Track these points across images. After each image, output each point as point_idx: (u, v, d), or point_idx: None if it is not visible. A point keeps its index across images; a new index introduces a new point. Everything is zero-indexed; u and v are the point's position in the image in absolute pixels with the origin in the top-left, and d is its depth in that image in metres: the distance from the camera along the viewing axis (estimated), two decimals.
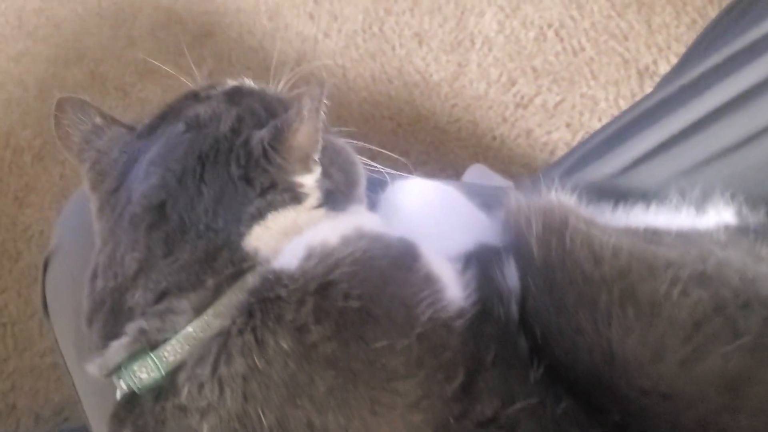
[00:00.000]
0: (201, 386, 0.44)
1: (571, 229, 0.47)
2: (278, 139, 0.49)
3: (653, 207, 0.56)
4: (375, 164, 0.61)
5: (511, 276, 0.50)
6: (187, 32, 1.70)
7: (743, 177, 0.59)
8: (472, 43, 1.55)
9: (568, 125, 1.42)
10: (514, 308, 0.48)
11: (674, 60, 1.43)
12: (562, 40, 1.52)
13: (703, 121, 0.62)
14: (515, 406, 0.42)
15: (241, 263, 0.48)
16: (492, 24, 1.56)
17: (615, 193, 0.61)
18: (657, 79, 1.43)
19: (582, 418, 0.42)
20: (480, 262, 0.51)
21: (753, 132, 0.59)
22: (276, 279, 0.46)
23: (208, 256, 0.48)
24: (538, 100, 1.46)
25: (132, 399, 0.48)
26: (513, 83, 1.49)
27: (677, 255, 0.46)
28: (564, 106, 1.44)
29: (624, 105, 1.42)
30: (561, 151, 1.41)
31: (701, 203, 0.57)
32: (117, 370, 0.48)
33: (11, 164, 1.59)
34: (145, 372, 0.46)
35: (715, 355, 0.40)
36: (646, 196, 0.60)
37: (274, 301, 0.45)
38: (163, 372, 0.46)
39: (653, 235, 0.51)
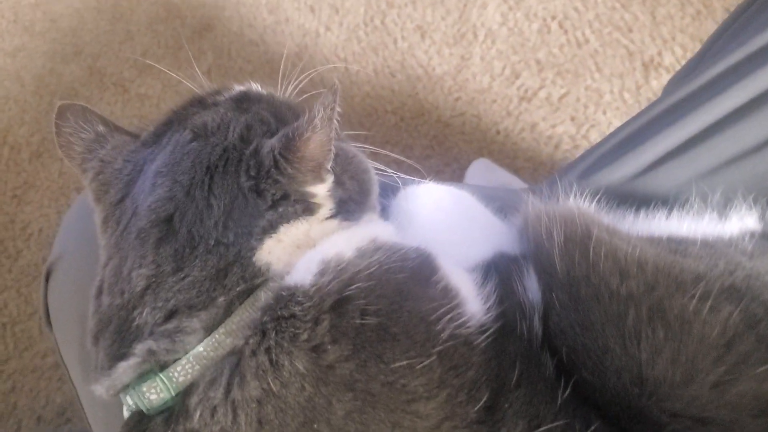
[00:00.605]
0: (214, 410, 0.43)
1: (594, 241, 0.46)
2: (289, 148, 0.48)
3: (675, 212, 0.55)
4: (386, 168, 0.59)
5: (532, 288, 0.48)
6: (186, 26, 1.67)
7: (765, 179, 0.58)
8: (475, 35, 1.53)
9: (572, 118, 1.41)
10: (537, 323, 0.46)
11: (679, 51, 1.42)
12: (566, 32, 1.50)
13: (723, 123, 0.60)
14: (541, 430, 0.41)
15: (253, 279, 0.46)
16: (495, 16, 1.54)
17: (634, 197, 0.60)
18: (662, 71, 1.41)
19: None
20: (499, 273, 0.50)
21: None
22: (290, 296, 0.45)
23: (219, 272, 0.46)
24: (542, 93, 1.45)
25: (141, 420, 0.46)
26: (517, 76, 1.47)
27: (705, 268, 0.45)
28: (568, 99, 1.43)
29: (629, 97, 1.40)
30: (566, 145, 1.39)
31: (723, 208, 0.55)
32: (125, 389, 0.46)
33: (9, 161, 1.57)
34: (155, 393, 0.45)
35: (749, 376, 0.39)
36: (665, 200, 0.59)
37: (288, 320, 0.43)
38: (173, 393, 0.45)
39: (678, 244, 0.49)
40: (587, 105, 1.42)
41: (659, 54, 1.43)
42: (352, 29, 1.60)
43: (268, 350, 0.43)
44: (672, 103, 0.64)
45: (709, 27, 1.43)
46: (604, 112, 1.40)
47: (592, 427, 0.41)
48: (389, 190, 0.60)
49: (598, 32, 1.48)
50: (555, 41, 1.49)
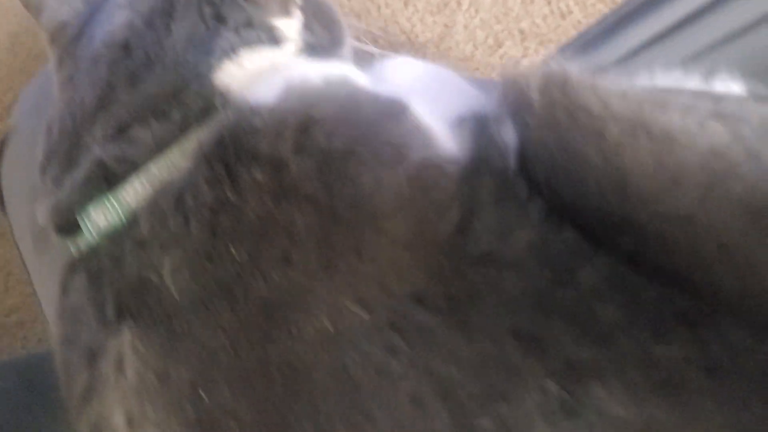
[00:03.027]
0: (164, 219, 0.40)
1: (574, 81, 0.43)
2: None
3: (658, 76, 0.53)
4: (363, 40, 0.57)
5: (508, 132, 0.46)
6: None
7: (752, 59, 0.56)
8: (459, 4, 1.52)
9: None
10: (513, 158, 0.43)
11: None
12: (549, 2, 1.49)
13: (708, 7, 0.59)
14: (512, 241, 0.38)
15: (212, 98, 0.43)
16: None
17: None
18: None
19: (586, 248, 0.38)
20: (476, 122, 0.47)
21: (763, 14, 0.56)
22: (251, 114, 0.42)
23: (176, 89, 0.43)
24: (524, 63, 1.43)
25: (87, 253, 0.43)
26: (500, 45, 1.46)
27: (691, 99, 0.43)
28: None
29: None
30: None
31: (708, 77, 0.53)
32: (70, 216, 0.43)
33: None
34: (103, 216, 0.42)
35: (737, 180, 0.37)
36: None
37: (248, 135, 0.40)
38: (123, 217, 0.41)
39: (663, 90, 0.47)
40: None
41: None
42: None
43: (225, 161, 0.40)
44: None
45: None
46: None
47: (565, 235, 0.38)
48: (364, 63, 0.58)
49: (582, 3, 1.48)
50: (538, 11, 1.49)
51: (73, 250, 0.44)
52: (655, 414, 0.33)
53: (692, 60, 0.58)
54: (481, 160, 0.43)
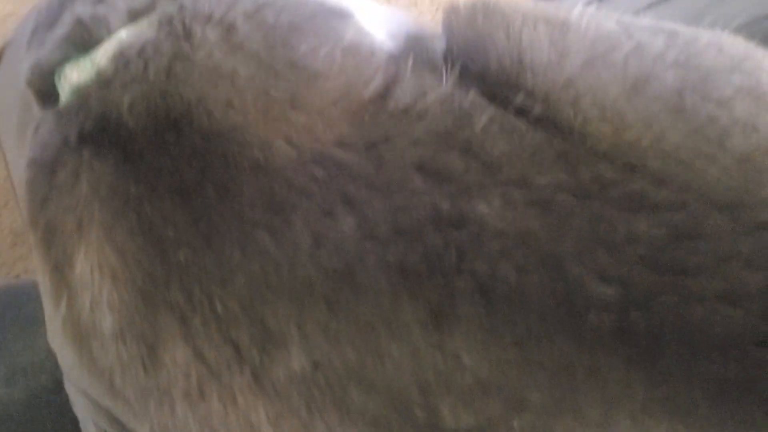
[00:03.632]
0: (126, 63, 0.46)
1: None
2: None
3: None
4: None
5: (440, 44, 0.53)
6: None
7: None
8: None
9: None
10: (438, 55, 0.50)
11: None
12: None
13: None
14: (427, 98, 0.44)
15: None
16: None
17: None
18: None
19: (485, 104, 0.44)
20: (413, 36, 0.54)
21: None
22: None
23: None
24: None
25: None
26: None
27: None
28: None
29: None
30: None
31: None
32: (49, 78, 0.49)
33: None
34: (76, 74, 0.48)
35: (617, 53, 0.43)
36: None
37: (207, 1, 0.47)
38: (94, 74, 0.48)
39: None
40: None
41: None
42: None
43: (182, 20, 0.46)
44: None
45: None
46: None
47: (471, 95, 0.44)
48: None
49: None
50: None
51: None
52: (530, 226, 0.39)
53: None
54: (409, 50, 0.50)
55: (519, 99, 0.43)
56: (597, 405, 0.37)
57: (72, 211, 0.44)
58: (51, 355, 0.67)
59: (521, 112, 0.43)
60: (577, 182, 0.40)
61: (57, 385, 0.70)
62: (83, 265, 0.44)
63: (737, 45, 0.46)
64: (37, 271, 0.50)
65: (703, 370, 0.37)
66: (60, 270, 0.45)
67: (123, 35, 0.48)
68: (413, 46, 0.51)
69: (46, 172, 0.46)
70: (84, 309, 0.44)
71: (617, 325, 0.37)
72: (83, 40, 0.48)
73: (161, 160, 0.44)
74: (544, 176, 0.40)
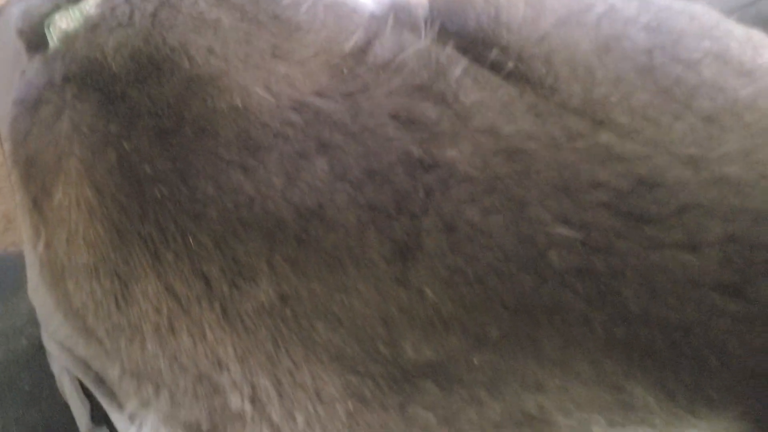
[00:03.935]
0: (113, 8, 0.47)
1: None
2: None
3: None
4: None
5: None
6: None
7: None
8: None
9: None
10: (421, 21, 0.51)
11: None
12: None
13: None
14: (405, 53, 0.45)
15: None
16: None
17: None
18: None
19: (460, 58, 0.45)
20: (398, 5, 0.55)
21: None
22: None
23: None
24: None
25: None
26: None
27: None
28: None
29: None
30: None
31: None
32: (39, 27, 0.50)
33: None
34: (65, 22, 0.49)
35: (590, 14, 0.45)
36: None
37: None
38: (82, 22, 0.49)
39: None
40: None
41: None
42: None
43: None
44: None
45: None
46: None
47: (447, 50, 0.45)
48: None
49: None
50: None
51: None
52: (497, 172, 0.40)
53: None
54: (390, 11, 0.51)
55: (494, 54, 0.44)
56: (556, 343, 0.38)
57: (52, 146, 0.45)
58: (31, 321, 0.68)
59: (495, 66, 0.44)
60: (546, 133, 0.41)
61: (36, 349, 0.71)
62: (61, 200, 0.44)
63: (709, 14, 0.47)
64: (18, 218, 0.50)
65: (662, 313, 0.37)
66: (38, 206, 0.46)
67: None
68: (395, 9, 0.52)
69: (29, 108, 0.47)
70: (61, 246, 0.45)
71: (577, 265, 0.38)
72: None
73: (142, 101, 0.45)
74: (513, 126, 0.41)
